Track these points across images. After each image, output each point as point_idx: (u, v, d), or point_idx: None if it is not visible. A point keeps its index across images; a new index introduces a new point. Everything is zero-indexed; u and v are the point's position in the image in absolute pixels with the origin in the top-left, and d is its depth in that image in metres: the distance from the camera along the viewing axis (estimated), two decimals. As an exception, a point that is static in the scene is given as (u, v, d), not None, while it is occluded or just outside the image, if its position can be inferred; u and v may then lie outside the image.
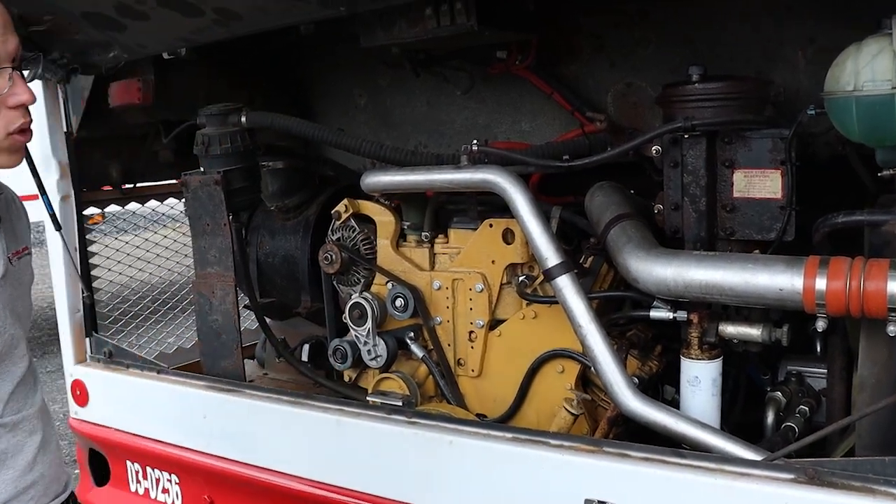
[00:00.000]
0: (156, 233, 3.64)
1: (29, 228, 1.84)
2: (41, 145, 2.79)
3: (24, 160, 2.55)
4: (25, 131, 1.52)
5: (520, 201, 2.01)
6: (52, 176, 2.79)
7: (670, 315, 1.98)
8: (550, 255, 1.98)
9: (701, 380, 1.99)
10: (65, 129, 2.80)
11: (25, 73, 1.58)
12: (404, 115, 2.98)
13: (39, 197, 2.72)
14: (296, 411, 2.29)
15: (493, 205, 2.29)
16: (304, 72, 3.19)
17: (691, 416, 1.90)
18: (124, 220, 3.43)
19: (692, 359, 1.99)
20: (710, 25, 2.33)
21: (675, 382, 2.12)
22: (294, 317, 3.12)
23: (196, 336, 3.47)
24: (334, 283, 2.60)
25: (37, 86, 2.77)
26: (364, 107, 3.08)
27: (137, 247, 3.48)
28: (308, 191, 2.98)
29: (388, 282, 2.42)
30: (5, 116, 1.47)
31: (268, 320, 2.82)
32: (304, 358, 2.92)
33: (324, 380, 2.73)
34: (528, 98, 2.76)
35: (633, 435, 2.00)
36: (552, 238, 2.00)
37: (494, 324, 2.35)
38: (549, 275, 1.98)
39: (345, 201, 2.51)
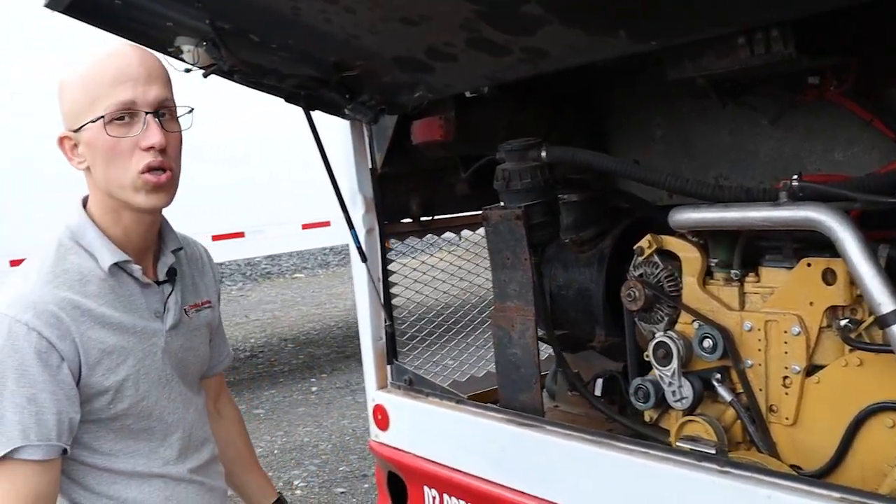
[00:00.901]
0: (432, 255, 3.73)
1: (216, 283, 1.94)
2: (349, 181, 2.95)
3: (336, 197, 2.73)
4: (155, 171, 1.59)
5: (849, 242, 1.85)
6: (357, 210, 2.94)
7: None
8: (885, 301, 1.80)
9: None
10: (370, 166, 2.94)
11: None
12: (705, 146, 2.86)
13: (348, 230, 2.86)
14: (598, 451, 2.24)
15: (808, 241, 2.13)
16: (600, 103, 3.15)
17: None
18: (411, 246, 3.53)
19: None
20: None
21: None
22: (585, 350, 3.08)
23: (484, 364, 3.56)
24: (635, 319, 2.52)
25: (344, 126, 2.94)
26: (661, 137, 3.00)
27: (423, 272, 3.57)
28: (602, 223, 2.92)
29: (693, 321, 2.32)
30: (137, 157, 1.58)
31: (560, 353, 2.81)
32: (598, 392, 2.88)
33: (620, 417, 2.67)
34: (843, 125, 2.55)
35: None
36: (886, 281, 1.82)
37: (811, 369, 2.18)
38: (885, 321, 1.79)
39: (648, 237, 2.44)
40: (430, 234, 3.23)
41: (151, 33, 2.44)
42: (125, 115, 1.57)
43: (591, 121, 3.20)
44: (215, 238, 7.50)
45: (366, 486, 5.29)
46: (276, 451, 6.09)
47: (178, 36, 2.42)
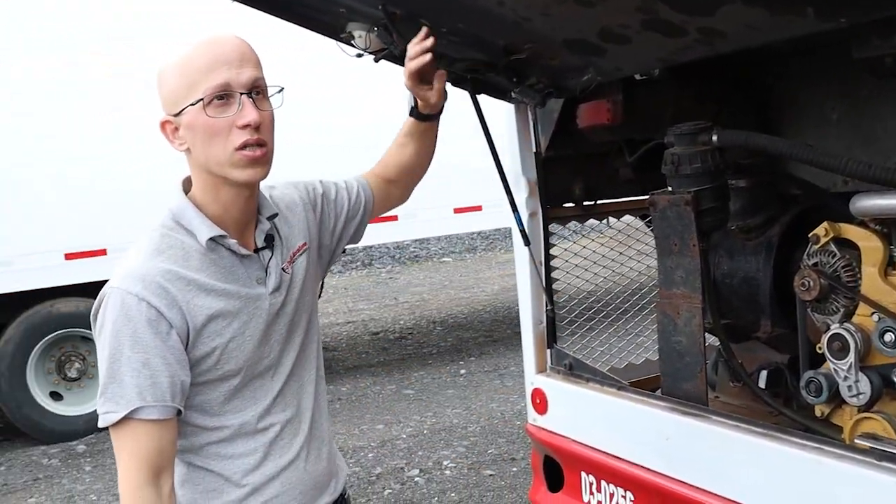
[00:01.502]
0: (593, 241, 3.69)
1: (305, 222, 1.97)
2: (512, 164, 2.96)
3: (500, 180, 2.74)
4: (251, 147, 1.69)
5: None
6: (521, 193, 2.95)
7: None
8: None
9: None
10: (534, 150, 2.94)
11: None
12: (887, 129, 2.72)
13: (511, 214, 2.87)
14: (767, 444, 2.18)
15: None
16: (768, 86, 3.04)
17: None
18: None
19: None
20: None
21: None
22: (749, 340, 3.00)
23: (643, 351, 3.51)
24: (808, 310, 2.44)
25: (509, 109, 2.95)
26: (837, 121, 2.86)
27: (584, 257, 3.54)
28: (771, 210, 2.84)
29: (873, 313, 2.21)
30: (234, 134, 1.68)
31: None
32: (762, 384, 2.80)
33: (787, 410, 2.59)
34: None
35: None
36: None
37: None
38: None
39: (825, 224, 2.34)
40: (592, 219, 3.20)
41: (323, 19, 2.51)
42: (222, 96, 1.67)
43: (759, 104, 3.09)
44: (370, 221, 7.67)
45: (514, 469, 5.32)
46: (425, 432, 6.20)
47: (349, 22, 2.48)
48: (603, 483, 2.80)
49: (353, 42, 2.48)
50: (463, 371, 7.86)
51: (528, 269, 2.98)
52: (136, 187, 6.46)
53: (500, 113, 2.95)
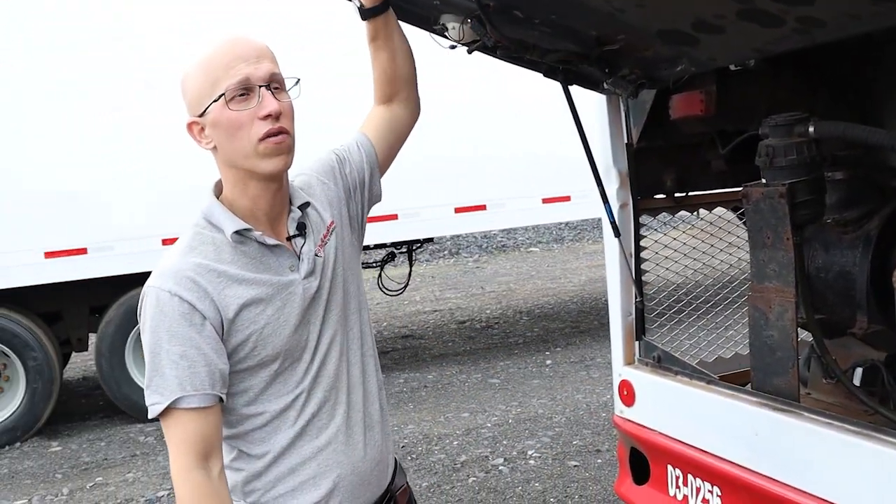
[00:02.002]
0: (683, 232, 3.65)
1: (329, 200, 1.98)
2: (603, 155, 2.95)
3: (591, 171, 2.74)
4: (274, 135, 1.75)
5: None
6: (612, 185, 2.94)
7: None
8: None
9: None
10: (625, 141, 2.93)
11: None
12: None
13: (602, 205, 2.87)
14: (862, 443, 2.14)
15: None
16: (869, 75, 2.97)
17: None
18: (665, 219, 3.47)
19: None
20: None
21: None
22: (844, 336, 2.93)
23: (733, 345, 3.47)
24: (907, 307, 2.38)
25: (600, 100, 2.94)
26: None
27: (674, 249, 3.51)
28: (869, 203, 2.77)
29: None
30: (257, 126, 1.74)
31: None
32: (856, 382, 2.74)
33: (884, 409, 2.52)
34: None
35: None
36: None
37: None
38: None
39: (926, 218, 2.28)
40: (682, 211, 3.17)
41: (417, 11, 2.54)
42: (242, 91, 1.74)
43: (854, 95, 3.02)
44: (458, 210, 7.72)
45: (599, 461, 5.30)
46: (510, 421, 6.22)
47: (442, 14, 2.51)
48: (689, 477, 2.78)
49: (446, 34, 2.52)
50: (549, 361, 7.85)
51: (617, 261, 2.98)
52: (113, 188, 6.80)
53: (591, 104, 2.94)
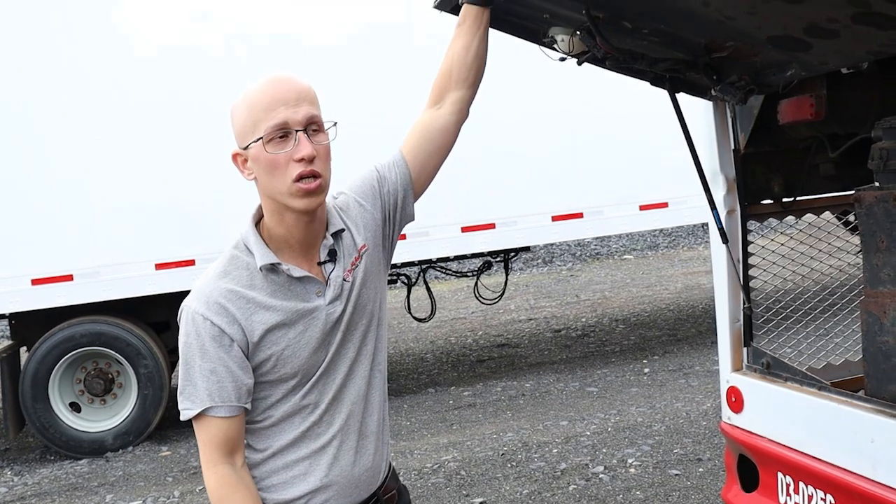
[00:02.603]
0: (791, 238, 3.60)
1: (364, 222, 2.06)
2: (710, 162, 2.96)
3: (699, 176, 2.75)
4: (307, 179, 1.85)
5: None
6: (719, 191, 2.94)
7: None
8: None
9: None
10: (732, 147, 2.93)
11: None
12: None
13: (710, 211, 2.87)
14: None
15: None
16: None
17: None
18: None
19: None
20: None
21: None
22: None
23: (843, 352, 3.41)
24: None
25: (707, 106, 2.95)
26: None
27: (781, 255, 3.47)
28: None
29: None
30: (291, 168, 1.85)
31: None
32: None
33: None
34: None
35: None
36: None
37: None
38: None
39: None
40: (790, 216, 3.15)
41: (526, 25, 2.60)
42: (281, 133, 1.85)
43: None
44: (555, 218, 7.73)
45: (700, 470, 5.25)
46: (609, 429, 6.20)
47: (551, 27, 2.56)
48: (801, 484, 2.76)
49: (555, 46, 2.57)
50: (647, 370, 7.79)
51: (725, 267, 2.97)
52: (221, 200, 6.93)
53: (698, 110, 2.95)
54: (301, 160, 1.85)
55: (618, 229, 8.37)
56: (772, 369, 2.89)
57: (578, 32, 2.47)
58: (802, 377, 2.78)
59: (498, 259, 8.93)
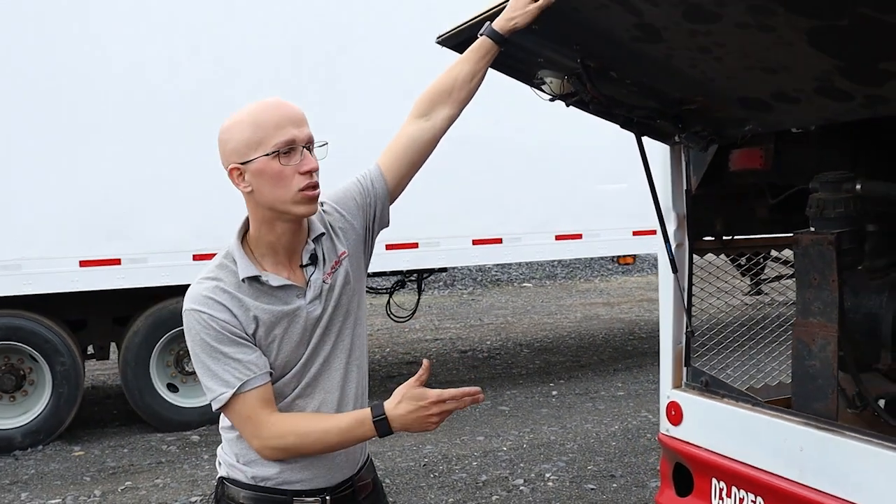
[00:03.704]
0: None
1: (345, 230, 2.33)
2: (664, 199, 3.32)
3: (655, 212, 3.10)
4: (311, 188, 2.10)
5: None
6: (671, 225, 3.31)
7: None
8: None
9: None
10: (685, 187, 3.30)
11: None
12: None
13: (663, 243, 3.23)
14: (898, 456, 2.50)
15: None
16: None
17: None
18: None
19: None
20: None
21: None
22: (870, 372, 3.29)
23: (777, 374, 3.80)
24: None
25: (665, 150, 3.31)
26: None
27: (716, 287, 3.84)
28: (895, 254, 3.14)
29: None
30: (297, 179, 2.09)
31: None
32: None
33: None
34: None
35: None
36: None
37: None
38: None
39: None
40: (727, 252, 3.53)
41: (519, 67, 2.92)
42: (288, 148, 2.08)
43: (891, 158, 3.41)
44: (475, 242, 8.07)
45: (614, 485, 5.62)
46: (524, 446, 6.54)
47: (542, 69, 2.88)
48: (734, 489, 3.12)
49: (543, 87, 2.88)
50: (554, 392, 8.18)
51: (671, 294, 3.33)
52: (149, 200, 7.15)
53: (656, 153, 3.31)
54: (307, 172, 2.10)
55: (534, 256, 8.79)
56: (710, 387, 3.26)
57: (568, 77, 2.79)
58: (738, 394, 3.16)
59: (412, 278, 9.23)
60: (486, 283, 16.59)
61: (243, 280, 2.13)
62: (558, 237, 8.33)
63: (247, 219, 2.22)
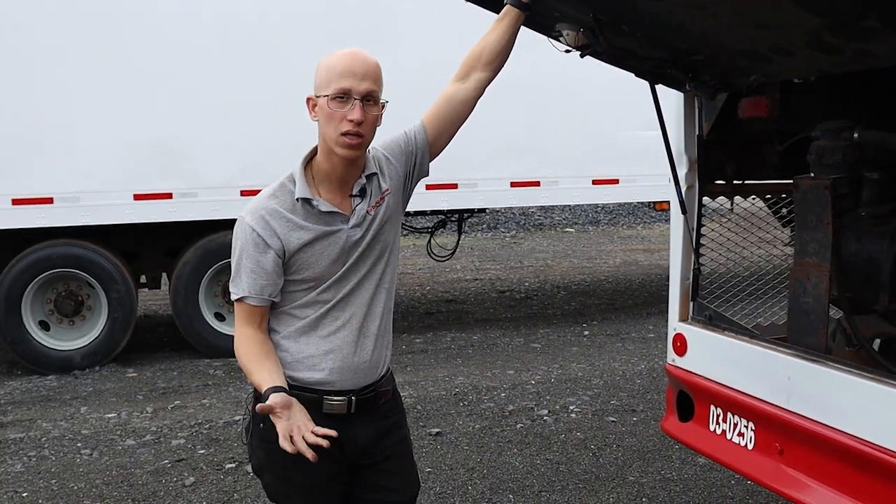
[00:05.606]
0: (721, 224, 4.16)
1: (391, 172, 2.62)
2: (677, 144, 3.52)
3: (667, 155, 3.31)
4: (350, 135, 2.36)
5: None
6: (682, 169, 3.51)
7: None
8: None
9: None
10: (697, 132, 3.49)
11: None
12: None
13: (673, 185, 3.44)
14: (878, 387, 2.71)
15: None
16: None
17: None
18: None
19: None
20: None
21: None
22: (869, 314, 3.48)
23: (770, 315, 4.02)
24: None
25: (679, 98, 3.50)
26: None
27: (720, 234, 4.03)
28: (898, 201, 3.31)
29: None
30: (343, 124, 2.36)
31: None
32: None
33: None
34: None
35: None
36: None
37: None
38: None
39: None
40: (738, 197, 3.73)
41: (538, 19, 3.11)
42: (342, 96, 2.36)
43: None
44: (513, 185, 8.28)
45: (634, 419, 5.88)
46: (552, 380, 6.82)
47: (559, 23, 3.07)
48: (729, 414, 3.36)
49: (560, 38, 3.08)
50: (586, 332, 8.44)
51: (681, 233, 3.55)
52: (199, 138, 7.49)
53: (670, 101, 3.50)
54: (351, 121, 2.38)
55: (571, 200, 8.98)
56: (713, 320, 3.49)
57: (583, 30, 2.98)
58: (737, 328, 3.38)
59: (453, 219, 9.48)
60: (529, 227, 16.80)
61: (297, 199, 2.44)
62: (595, 181, 8.50)
63: (315, 147, 2.53)
